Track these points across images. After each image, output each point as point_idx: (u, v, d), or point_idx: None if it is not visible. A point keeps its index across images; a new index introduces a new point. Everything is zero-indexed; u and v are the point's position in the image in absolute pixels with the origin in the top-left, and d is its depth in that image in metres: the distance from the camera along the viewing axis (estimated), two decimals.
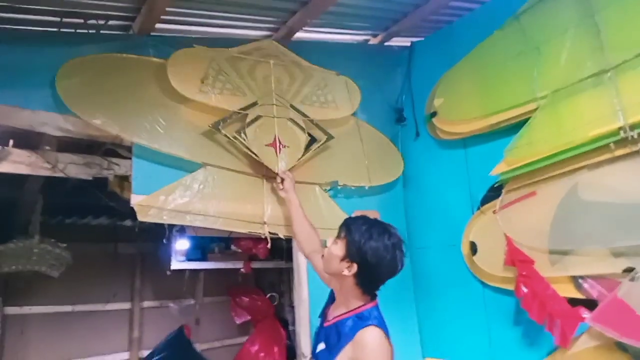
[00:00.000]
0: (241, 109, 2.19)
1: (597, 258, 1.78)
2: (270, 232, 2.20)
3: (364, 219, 1.51)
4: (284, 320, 4.00)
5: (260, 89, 2.32)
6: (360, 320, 1.45)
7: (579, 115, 1.79)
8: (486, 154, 2.23)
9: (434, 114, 2.54)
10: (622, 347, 1.70)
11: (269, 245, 2.20)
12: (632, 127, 1.60)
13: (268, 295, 4.11)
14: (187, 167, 2.08)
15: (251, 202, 2.21)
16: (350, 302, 1.51)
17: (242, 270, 3.67)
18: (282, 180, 2.16)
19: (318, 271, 1.88)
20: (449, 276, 2.45)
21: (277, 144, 2.23)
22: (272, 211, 2.24)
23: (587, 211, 1.81)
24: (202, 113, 2.15)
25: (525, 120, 2.03)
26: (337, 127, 2.56)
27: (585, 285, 1.81)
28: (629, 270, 1.65)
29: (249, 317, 3.95)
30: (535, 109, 1.99)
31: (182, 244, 3.31)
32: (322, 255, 1.59)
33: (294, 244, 2.42)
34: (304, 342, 2.33)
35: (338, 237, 1.51)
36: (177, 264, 3.35)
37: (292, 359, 3.58)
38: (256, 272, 4.11)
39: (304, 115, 2.39)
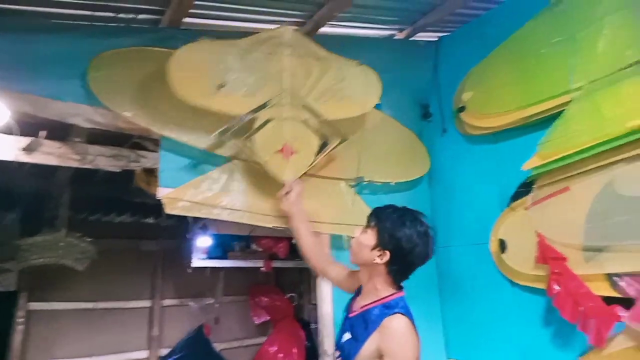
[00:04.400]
0: (251, 111, 2.01)
1: (634, 254, 1.72)
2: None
3: (393, 207, 1.53)
4: (303, 320, 3.97)
5: (272, 86, 2.10)
6: (387, 309, 1.44)
7: (617, 106, 1.74)
8: (518, 148, 2.18)
9: (462, 109, 2.50)
10: None
11: (294, 241, 2.17)
12: None
13: (288, 296, 4.09)
14: (214, 160, 2.09)
15: (277, 197, 2.20)
16: (379, 291, 1.50)
17: (262, 269, 3.67)
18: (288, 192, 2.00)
19: (336, 283, 1.87)
20: (476, 275, 2.40)
21: (287, 150, 2.06)
22: None
23: (625, 206, 1.75)
24: None
25: (561, 113, 1.97)
26: (363, 122, 2.54)
27: (622, 283, 1.75)
28: None
29: (268, 317, 3.93)
30: (571, 101, 1.94)
31: (203, 241, 3.32)
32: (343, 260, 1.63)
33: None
34: (327, 341, 2.30)
35: (367, 226, 1.52)
36: (198, 261, 3.35)
37: (311, 359, 3.55)
38: (276, 272, 4.10)
39: (318, 115, 2.17)
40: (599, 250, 1.83)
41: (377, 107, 2.65)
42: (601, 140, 1.77)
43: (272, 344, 3.66)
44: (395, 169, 2.58)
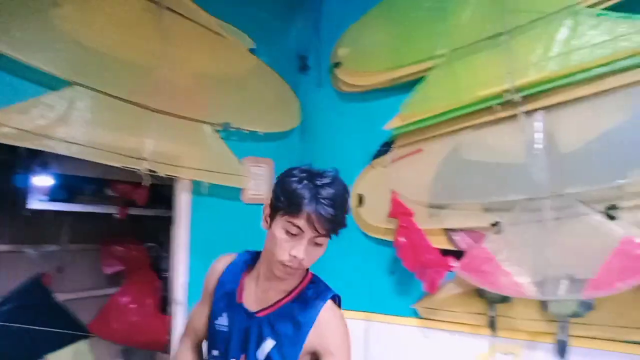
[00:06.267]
0: None
1: (469, 213, 1.90)
2: (150, 170, 1.99)
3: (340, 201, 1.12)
4: (161, 271, 3.78)
5: None
6: (317, 297, 1.19)
7: (473, 75, 1.86)
8: (385, 108, 2.24)
9: (337, 64, 2.48)
10: (480, 294, 1.87)
11: (144, 183, 1.98)
12: (517, 90, 1.69)
13: (147, 246, 3.84)
14: (48, 82, 1.75)
15: (130, 133, 1.97)
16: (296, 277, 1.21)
17: (117, 215, 3.36)
18: None
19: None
20: None
21: None
22: (154, 147, 2.02)
23: (466, 169, 1.91)
24: (79, 22, 1.83)
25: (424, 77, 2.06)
26: (237, 65, 2.40)
27: (456, 238, 1.94)
28: (496, 224, 1.79)
29: (121, 267, 3.65)
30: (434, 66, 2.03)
31: (43, 181, 2.89)
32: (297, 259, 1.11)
33: (177, 188, 2.24)
34: (180, 289, 2.20)
35: (324, 236, 1.10)
36: (37, 203, 2.92)
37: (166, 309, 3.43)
38: (135, 220, 3.79)
39: None
40: (441, 207, 2.00)
41: (252, 51, 2.52)
42: (454, 107, 1.89)
43: (124, 294, 3.42)
44: (265, 118, 2.50)
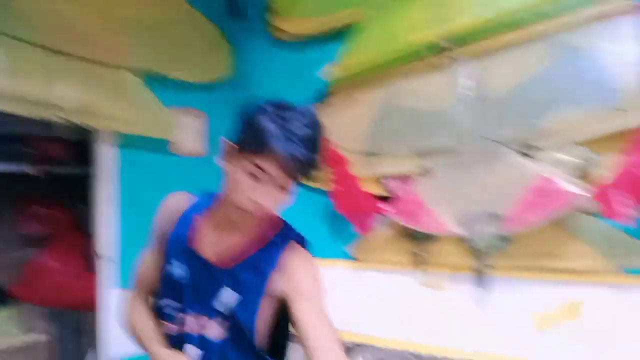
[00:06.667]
0: None
1: (401, 159, 1.96)
2: (64, 119, 1.82)
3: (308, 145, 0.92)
4: (89, 230, 3.58)
5: None
6: (281, 241, 1.08)
7: (406, 24, 1.86)
8: (321, 57, 2.19)
9: (272, 11, 2.37)
10: (409, 234, 1.96)
11: (58, 134, 1.82)
12: (447, 37, 1.72)
13: (71, 205, 3.60)
14: None
15: (39, 80, 1.78)
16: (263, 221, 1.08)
17: (33, 174, 3.10)
18: None
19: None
20: None
21: None
22: (67, 94, 1.84)
23: (399, 116, 1.95)
24: None
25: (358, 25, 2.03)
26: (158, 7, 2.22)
27: (389, 183, 2.00)
28: (425, 169, 1.86)
29: (42, 229, 3.42)
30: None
31: None
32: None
33: (100, 142, 2.10)
34: (105, 245, 2.12)
35: (293, 179, 0.96)
36: None
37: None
38: (59, 179, 3.53)
39: None
40: (375, 154, 2.04)
41: None
42: (387, 55, 1.90)
43: (47, 255, 3.22)
44: (193, 65, 2.37)
